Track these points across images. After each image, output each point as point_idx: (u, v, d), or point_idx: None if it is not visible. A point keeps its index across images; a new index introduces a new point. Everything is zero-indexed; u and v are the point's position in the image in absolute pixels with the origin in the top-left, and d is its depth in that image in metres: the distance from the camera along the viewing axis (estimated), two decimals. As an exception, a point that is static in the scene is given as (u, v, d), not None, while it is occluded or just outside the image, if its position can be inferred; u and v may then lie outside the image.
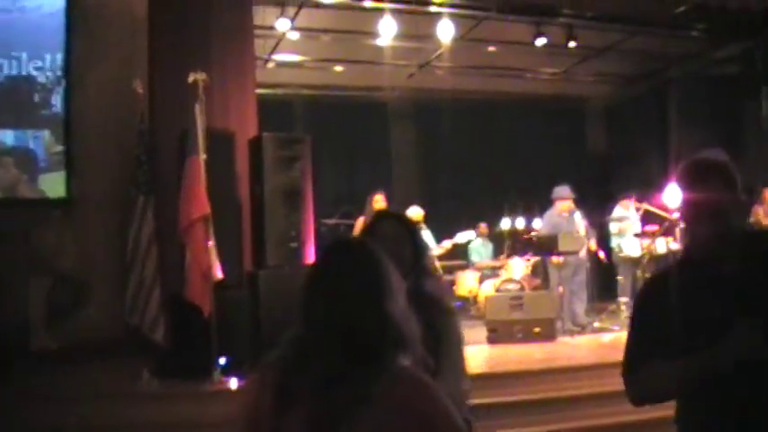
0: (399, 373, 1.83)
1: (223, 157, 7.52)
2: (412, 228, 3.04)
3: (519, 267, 11.38)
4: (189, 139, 7.07)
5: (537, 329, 8.88)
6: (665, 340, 2.45)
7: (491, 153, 15.40)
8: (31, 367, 6.63)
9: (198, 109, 7.06)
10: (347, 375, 1.80)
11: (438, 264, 10.80)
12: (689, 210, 2.46)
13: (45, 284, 7.04)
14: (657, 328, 2.50)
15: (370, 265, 1.94)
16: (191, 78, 7.14)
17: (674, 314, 2.46)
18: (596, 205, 12.51)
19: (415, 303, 2.78)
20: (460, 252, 12.77)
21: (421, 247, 2.99)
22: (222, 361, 6.76)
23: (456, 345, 2.91)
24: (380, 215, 3.20)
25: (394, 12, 10.92)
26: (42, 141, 7.12)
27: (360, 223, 9.35)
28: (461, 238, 11.08)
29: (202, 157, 7.02)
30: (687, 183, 2.45)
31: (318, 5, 11.05)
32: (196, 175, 6.97)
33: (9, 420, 5.69)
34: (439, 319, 2.81)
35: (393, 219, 3.06)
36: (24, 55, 7.11)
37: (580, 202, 10.43)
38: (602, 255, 11.04)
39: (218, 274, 6.85)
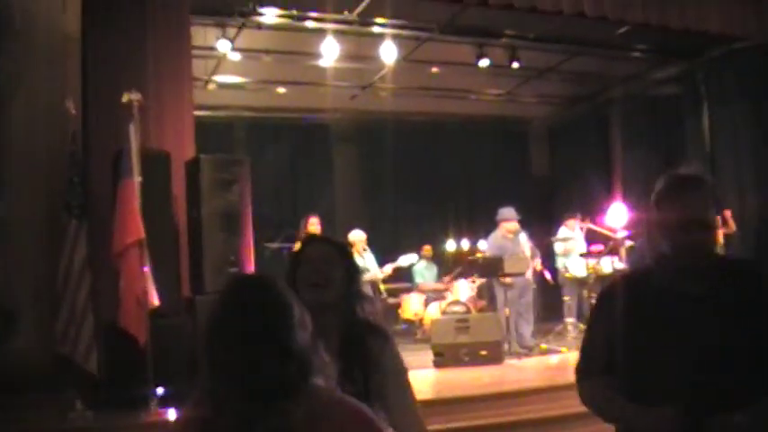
0: (318, 394, 1.82)
1: (158, 179, 7.28)
2: (343, 250, 2.88)
3: (464, 289, 11.28)
4: (123, 161, 6.85)
5: (484, 352, 8.77)
6: (617, 350, 2.49)
7: (435, 175, 15.38)
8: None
9: (132, 130, 6.84)
10: (264, 410, 1.76)
11: (382, 286, 10.67)
12: (675, 218, 2.42)
13: (-31, 313, 6.72)
14: (611, 335, 2.52)
15: (270, 298, 1.87)
16: (124, 98, 6.92)
17: (625, 326, 2.49)
18: (541, 226, 12.50)
19: (348, 329, 2.65)
20: (405, 274, 12.66)
21: (353, 270, 2.83)
22: (159, 391, 6.52)
23: (400, 373, 2.75)
24: (309, 238, 3.06)
25: (336, 33, 10.82)
26: (-32, 164, 6.83)
27: (296, 247, 9.13)
28: (404, 261, 10.96)
29: (137, 179, 6.80)
30: (675, 192, 2.45)
31: (260, 26, 10.92)
32: (130, 198, 6.74)
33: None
34: (375, 345, 2.68)
35: (322, 242, 2.94)
36: (-52, 73, 6.84)
37: (525, 223, 10.39)
38: (548, 275, 11.01)
39: (154, 300, 6.63)
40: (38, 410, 6.32)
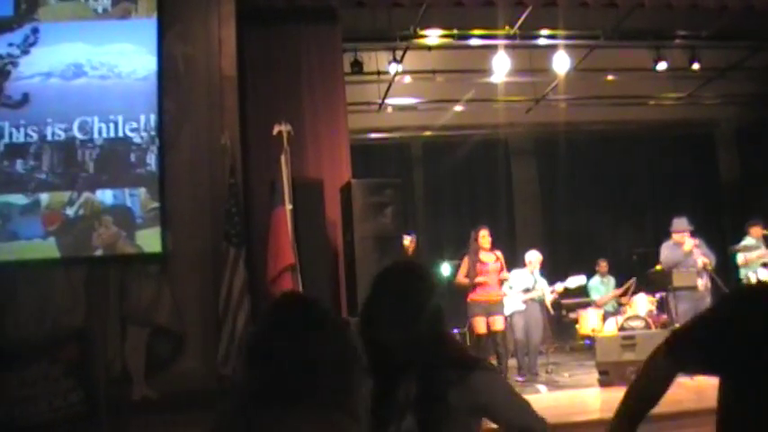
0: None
1: (311, 205, 7.60)
2: (406, 302, 2.42)
3: (643, 303, 10.79)
4: (275, 190, 7.23)
5: (651, 370, 8.39)
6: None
7: (616, 185, 14.88)
8: (131, 417, 6.88)
9: (283, 160, 7.22)
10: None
11: (548, 303, 10.43)
12: None
13: (143, 336, 7.27)
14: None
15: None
16: (275, 130, 7.33)
17: None
18: (732, 235, 11.77)
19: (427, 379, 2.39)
20: (582, 290, 12.35)
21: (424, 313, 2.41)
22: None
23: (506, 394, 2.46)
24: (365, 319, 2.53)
25: (505, 48, 10.75)
26: (139, 199, 7.39)
27: (464, 263, 9.16)
28: (572, 283, 10.62)
29: (288, 207, 7.14)
30: None
31: (430, 48, 11.12)
32: (282, 226, 7.11)
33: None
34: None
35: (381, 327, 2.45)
36: (120, 118, 7.43)
37: (714, 232, 9.82)
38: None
39: (307, 323, 6.87)
40: (203, 424, 6.71)
